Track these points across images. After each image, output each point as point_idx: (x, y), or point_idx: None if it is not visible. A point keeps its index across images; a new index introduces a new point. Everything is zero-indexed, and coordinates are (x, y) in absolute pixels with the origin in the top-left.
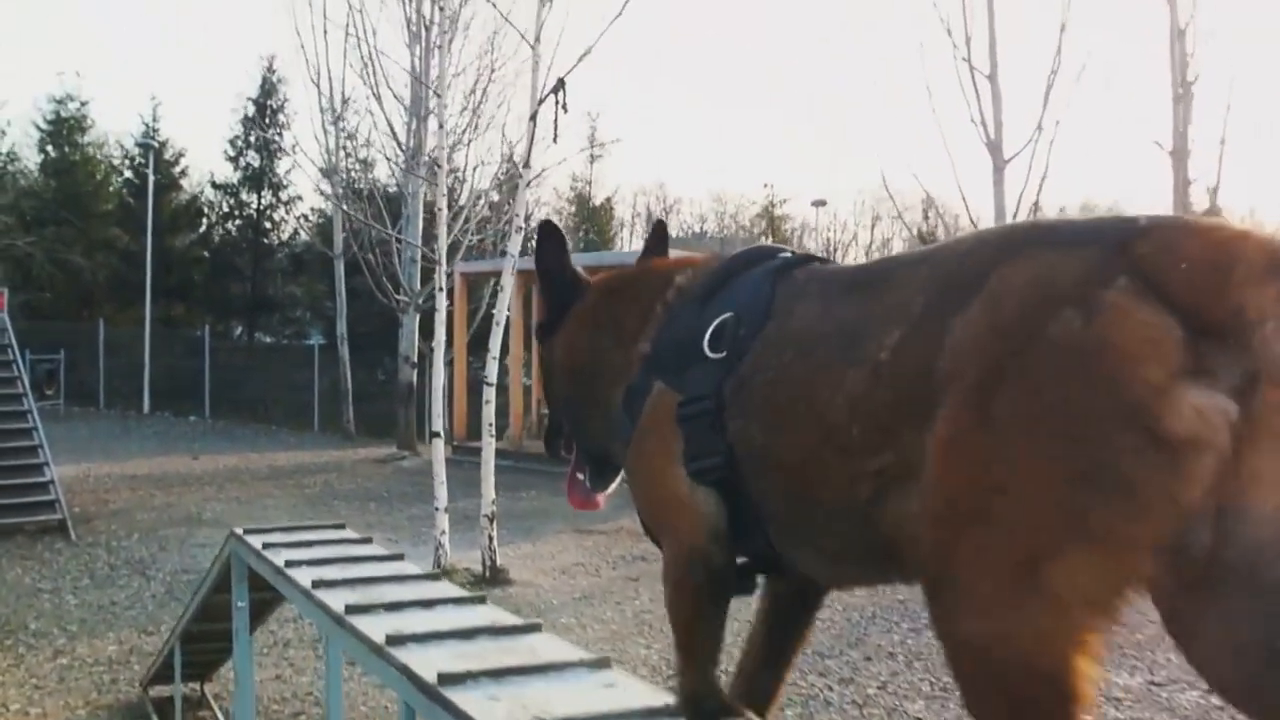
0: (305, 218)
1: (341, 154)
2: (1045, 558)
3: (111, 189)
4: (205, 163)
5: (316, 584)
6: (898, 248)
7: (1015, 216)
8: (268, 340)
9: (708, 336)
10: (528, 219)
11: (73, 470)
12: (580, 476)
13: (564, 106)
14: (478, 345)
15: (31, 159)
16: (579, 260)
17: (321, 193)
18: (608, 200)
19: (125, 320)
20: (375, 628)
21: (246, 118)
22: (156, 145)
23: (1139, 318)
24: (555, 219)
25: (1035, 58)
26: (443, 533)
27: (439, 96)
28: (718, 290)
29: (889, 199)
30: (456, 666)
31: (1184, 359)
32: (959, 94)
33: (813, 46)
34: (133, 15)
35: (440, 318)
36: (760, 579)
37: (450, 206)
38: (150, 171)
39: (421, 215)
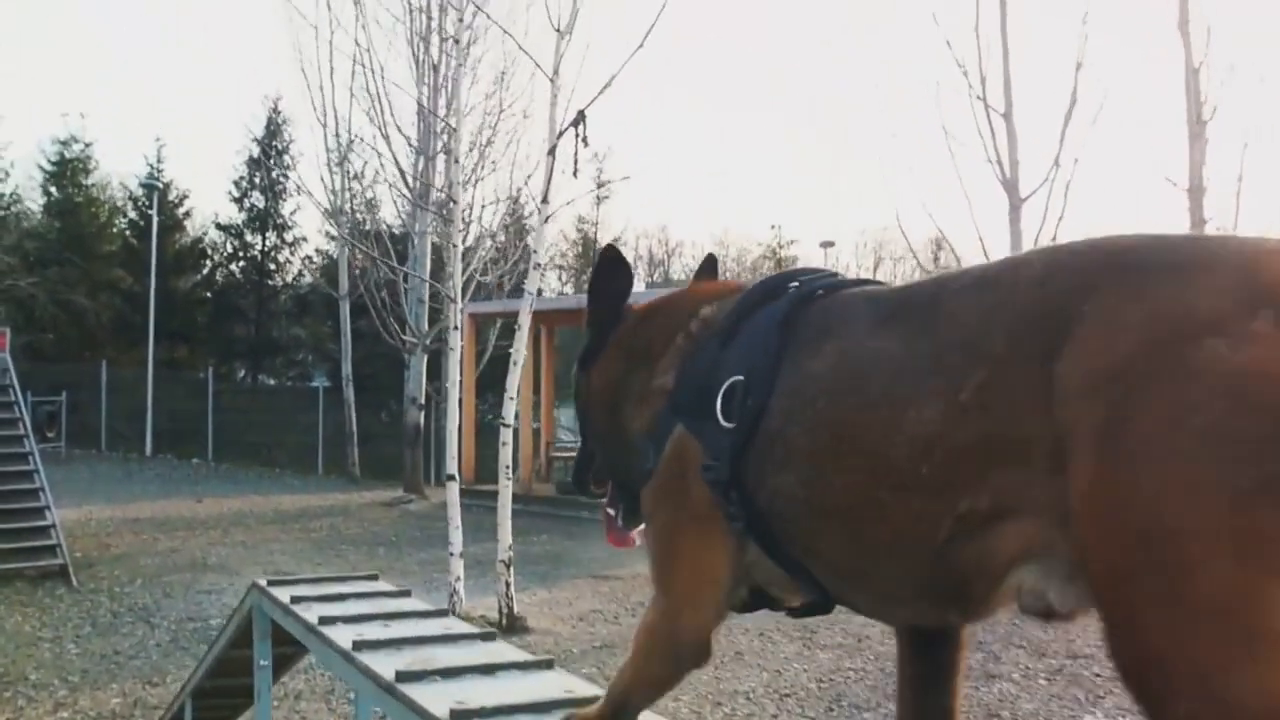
0: (310, 259)
1: (347, 194)
2: (1252, 595)
3: (115, 230)
4: (209, 204)
5: (359, 645)
6: None
7: None
8: (271, 383)
9: (719, 402)
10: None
11: (74, 514)
12: (611, 512)
13: (584, 140)
14: (483, 387)
15: (35, 200)
16: (576, 301)
17: (328, 234)
18: (616, 240)
19: (128, 362)
20: (435, 700)
21: (251, 159)
22: (160, 186)
23: None
24: (561, 261)
25: (1051, 95)
26: (457, 579)
27: (454, 129)
28: (736, 330)
29: (891, 240)
30: None
31: None
32: (974, 132)
33: (821, 87)
34: (138, 57)
35: (455, 357)
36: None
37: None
38: (154, 212)
39: (429, 255)
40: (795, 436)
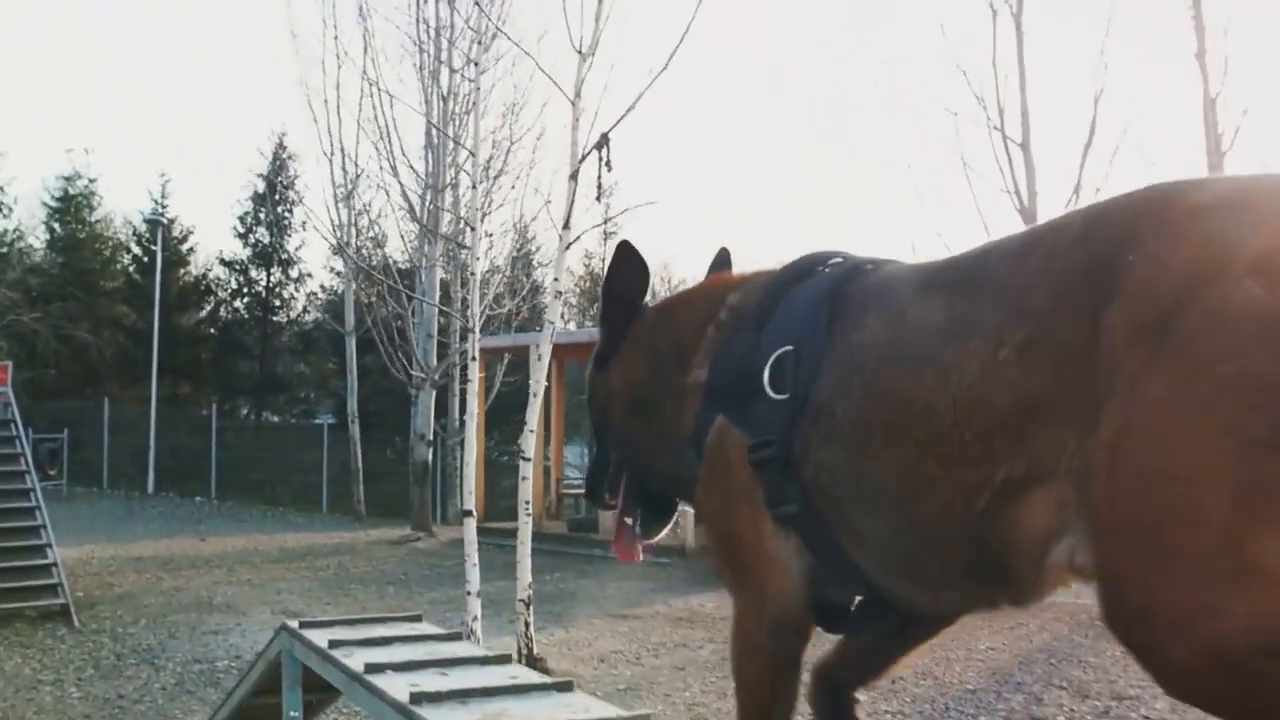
0: (315, 295)
1: (353, 230)
2: (1245, 539)
3: (118, 266)
4: (214, 240)
5: (417, 698)
6: None
7: None
8: (275, 420)
9: (767, 374)
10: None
11: (75, 552)
12: (629, 522)
13: (608, 164)
14: (490, 424)
15: (39, 235)
16: (586, 336)
17: (333, 270)
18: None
19: (130, 399)
20: None
21: (257, 194)
22: (165, 222)
23: None
24: (569, 297)
25: (1069, 124)
26: (475, 618)
27: (473, 155)
28: (771, 311)
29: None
30: None
31: None
32: (991, 161)
33: (821, 87)
34: (143, 93)
35: (472, 388)
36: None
37: (465, 282)
38: (158, 248)
39: (437, 289)
40: (842, 409)
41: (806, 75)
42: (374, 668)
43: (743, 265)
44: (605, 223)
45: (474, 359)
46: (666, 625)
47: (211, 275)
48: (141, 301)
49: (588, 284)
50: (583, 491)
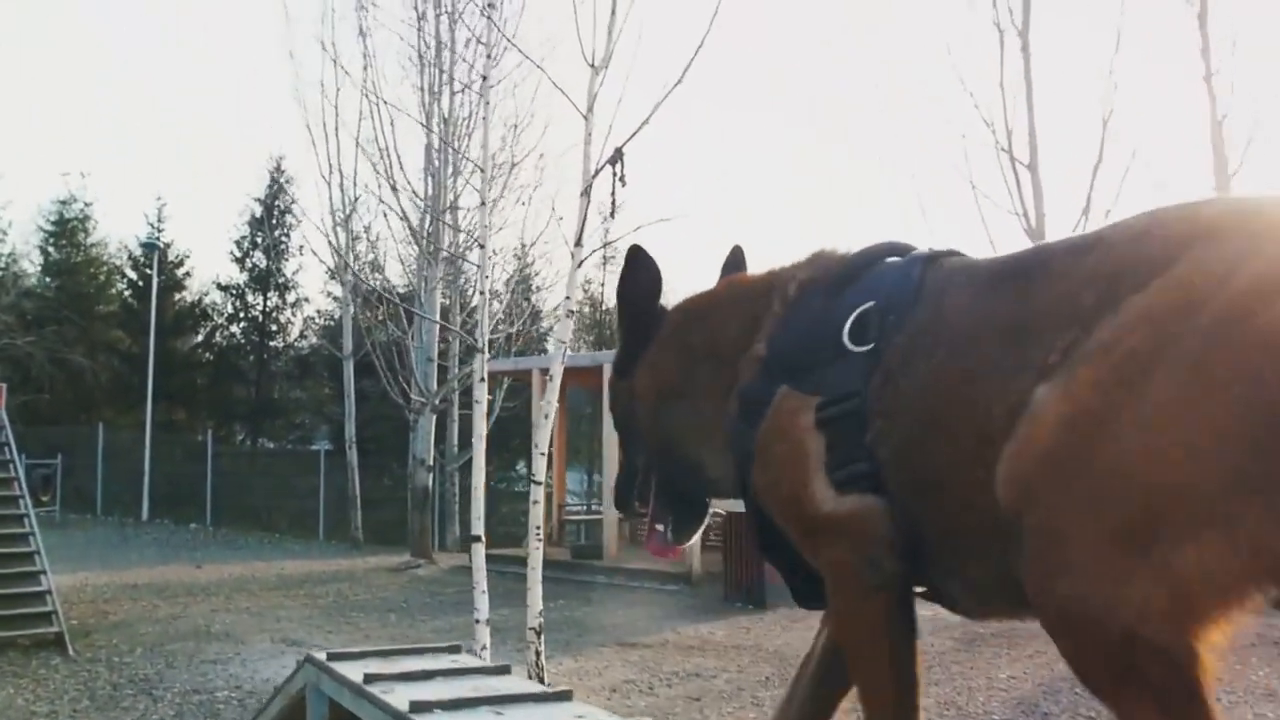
0: (312, 320)
1: (351, 255)
2: (1171, 531)
3: (113, 291)
4: (211, 264)
5: None
6: None
7: None
8: (271, 445)
9: (848, 328)
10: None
11: (69, 580)
12: (660, 528)
13: (622, 179)
14: (489, 449)
15: (34, 259)
16: (588, 359)
17: (331, 295)
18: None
19: (125, 424)
20: None
21: (254, 218)
22: (161, 246)
23: None
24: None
25: (1077, 145)
26: (484, 647)
27: (482, 171)
28: (849, 283)
29: None
30: None
31: None
32: (999, 182)
33: (825, 118)
34: (140, 118)
35: (480, 410)
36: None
37: (464, 307)
38: (154, 273)
39: (438, 313)
40: (908, 387)
41: (806, 75)
42: (420, 706)
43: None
44: (605, 246)
45: (482, 380)
46: (677, 654)
47: (208, 300)
48: (137, 326)
49: (588, 309)
50: (612, 503)
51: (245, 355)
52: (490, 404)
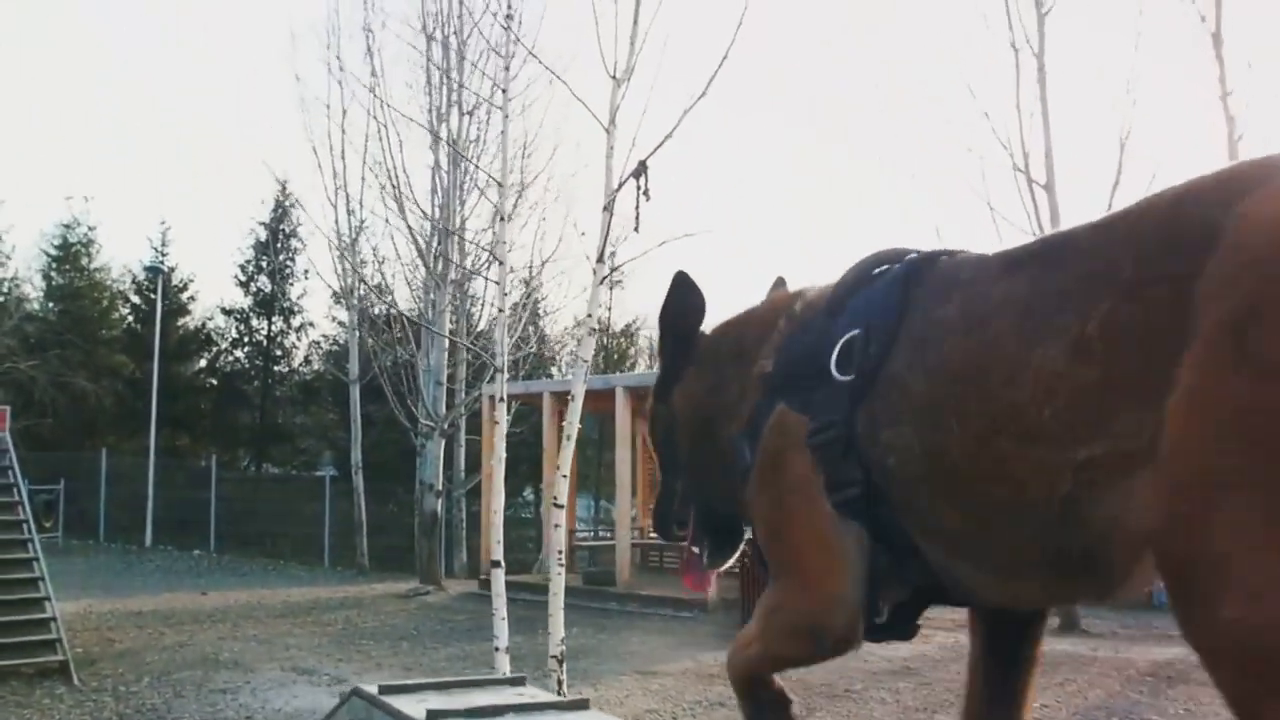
0: (317, 344)
1: (356, 278)
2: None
3: (116, 315)
4: (215, 288)
5: None
6: None
7: None
8: (275, 471)
9: (835, 357)
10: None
11: (73, 606)
12: (697, 551)
13: (646, 193)
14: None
15: (37, 283)
16: (601, 382)
17: (338, 321)
18: (629, 327)
19: (128, 450)
20: None
21: (259, 242)
22: (165, 270)
23: None
24: (575, 345)
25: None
26: (503, 675)
27: (501, 186)
28: (847, 300)
29: None
30: None
31: None
32: (1018, 204)
33: (824, 118)
34: (145, 142)
35: (500, 430)
36: (919, 625)
37: (470, 330)
38: (158, 297)
39: (446, 336)
40: (916, 385)
41: (806, 75)
42: None
43: (741, 267)
44: (611, 273)
45: (502, 399)
46: (699, 683)
47: (212, 324)
48: (140, 351)
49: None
50: (653, 527)
51: (249, 380)
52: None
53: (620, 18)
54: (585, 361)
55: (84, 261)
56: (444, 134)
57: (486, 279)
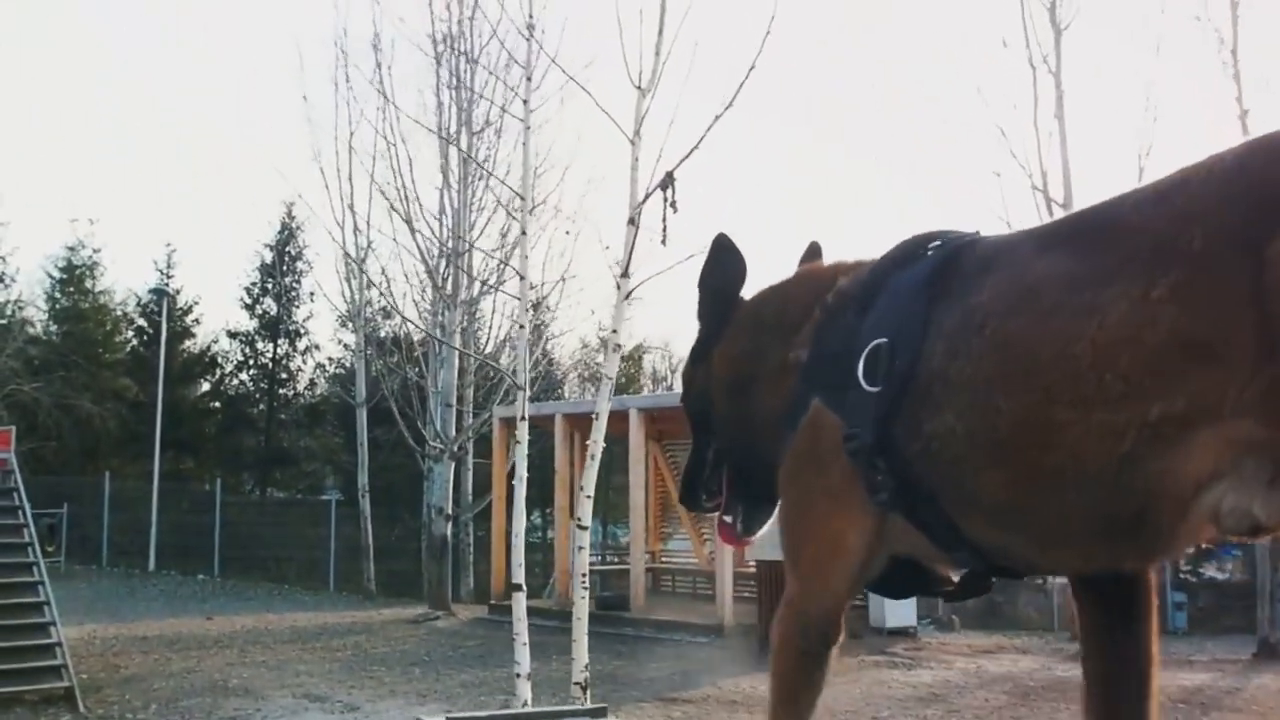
0: (323, 367)
1: (364, 299)
2: None
3: (120, 338)
4: (220, 311)
5: None
6: None
7: None
8: (280, 495)
9: (862, 365)
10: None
11: (77, 632)
12: (729, 520)
13: (673, 205)
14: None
15: (41, 305)
16: (619, 402)
17: (344, 345)
18: (637, 349)
19: (132, 473)
20: None
21: (264, 265)
22: (170, 293)
23: None
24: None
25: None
26: (525, 704)
27: (523, 199)
28: (873, 297)
29: None
30: None
31: None
32: (1036, 223)
33: (821, 117)
34: (150, 164)
35: (521, 450)
36: (992, 581)
37: (477, 352)
38: (163, 319)
39: (457, 358)
40: (958, 370)
41: (802, 74)
42: None
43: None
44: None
45: (523, 419)
46: (722, 710)
47: (216, 347)
48: (144, 374)
49: (602, 355)
50: (681, 494)
51: (255, 403)
52: (505, 451)
53: (645, 26)
54: (610, 379)
55: (88, 284)
56: (453, 156)
57: (505, 294)
